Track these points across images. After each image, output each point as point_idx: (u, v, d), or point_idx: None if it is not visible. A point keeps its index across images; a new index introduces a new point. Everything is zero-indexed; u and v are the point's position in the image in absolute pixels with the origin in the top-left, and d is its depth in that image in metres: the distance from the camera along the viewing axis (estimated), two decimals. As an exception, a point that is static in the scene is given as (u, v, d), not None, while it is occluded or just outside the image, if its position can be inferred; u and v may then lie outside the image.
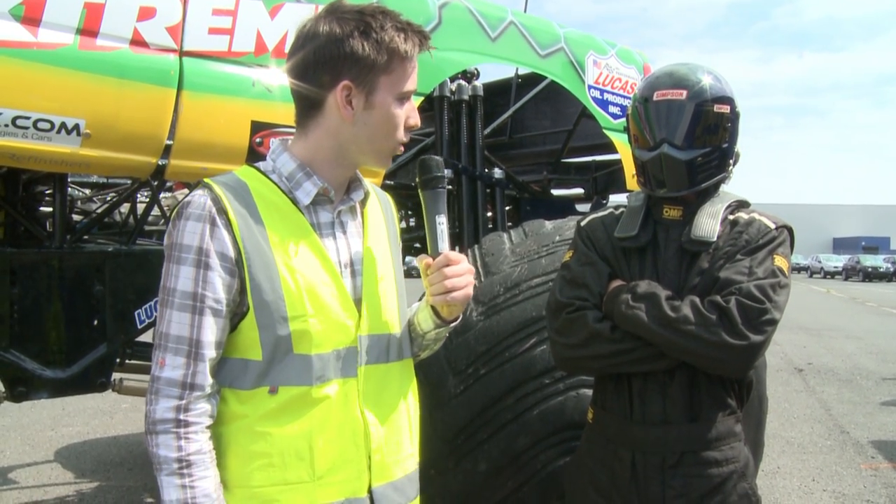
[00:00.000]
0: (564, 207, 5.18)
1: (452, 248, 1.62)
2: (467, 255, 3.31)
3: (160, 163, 2.76)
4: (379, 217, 1.73)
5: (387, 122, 1.56)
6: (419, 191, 1.65)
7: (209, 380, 1.46)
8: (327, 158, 1.59)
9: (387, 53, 1.52)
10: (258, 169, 1.59)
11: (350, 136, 1.56)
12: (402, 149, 1.63)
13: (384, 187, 2.94)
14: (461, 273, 1.60)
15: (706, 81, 2.07)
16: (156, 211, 4.84)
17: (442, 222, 1.62)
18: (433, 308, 1.68)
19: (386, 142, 1.58)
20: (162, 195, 4.83)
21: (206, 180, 1.53)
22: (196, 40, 2.76)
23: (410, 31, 1.55)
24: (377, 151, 1.60)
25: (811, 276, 55.41)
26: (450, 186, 4.28)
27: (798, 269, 60.82)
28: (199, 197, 1.48)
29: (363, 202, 1.69)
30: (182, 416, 1.44)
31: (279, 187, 1.56)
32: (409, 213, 5.19)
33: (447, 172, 4.11)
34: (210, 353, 1.46)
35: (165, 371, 1.45)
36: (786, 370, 10.73)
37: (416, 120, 1.61)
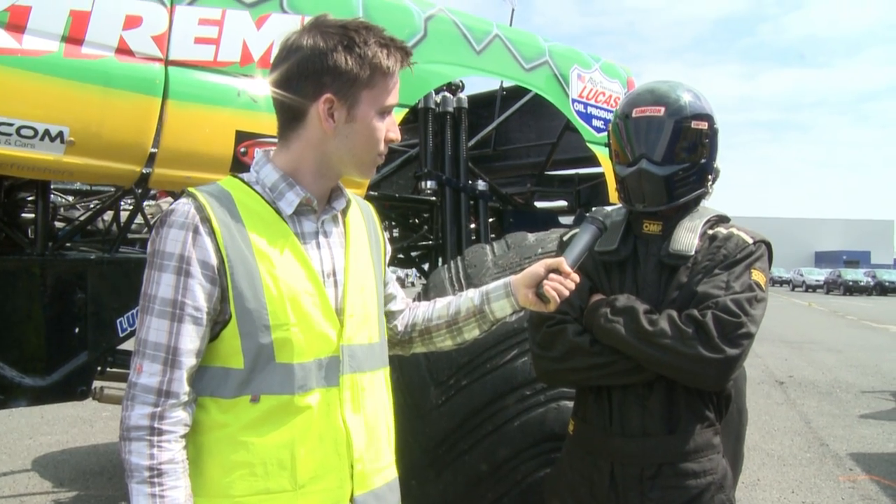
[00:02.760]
0: (547, 220, 5.22)
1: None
2: (450, 267, 3.33)
3: (144, 171, 2.77)
4: (361, 227, 1.75)
5: (368, 135, 1.59)
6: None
7: (185, 388, 1.47)
8: (310, 169, 1.61)
9: (369, 68, 1.55)
10: (242, 179, 1.61)
11: (332, 148, 1.59)
12: (382, 160, 1.67)
13: (368, 198, 2.96)
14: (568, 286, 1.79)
15: (685, 98, 2.10)
16: (139, 219, 4.83)
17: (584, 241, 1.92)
18: (514, 298, 1.84)
19: (367, 154, 1.62)
20: (145, 203, 4.82)
21: (190, 189, 1.55)
22: (182, 50, 2.77)
23: (393, 47, 1.58)
24: (359, 163, 1.63)
25: (793, 290, 55.75)
26: (433, 198, 4.31)
27: (780, 282, 61.25)
28: (183, 205, 1.50)
29: (345, 211, 1.71)
30: (156, 424, 1.44)
31: (263, 197, 1.58)
32: (392, 224, 5.21)
33: (430, 184, 4.15)
34: (187, 360, 1.47)
35: (142, 377, 1.46)
36: (767, 383, 10.81)
37: (396, 134, 1.64)
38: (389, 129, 1.63)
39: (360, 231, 1.74)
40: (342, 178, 1.69)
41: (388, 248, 1.91)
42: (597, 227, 1.97)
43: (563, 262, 1.80)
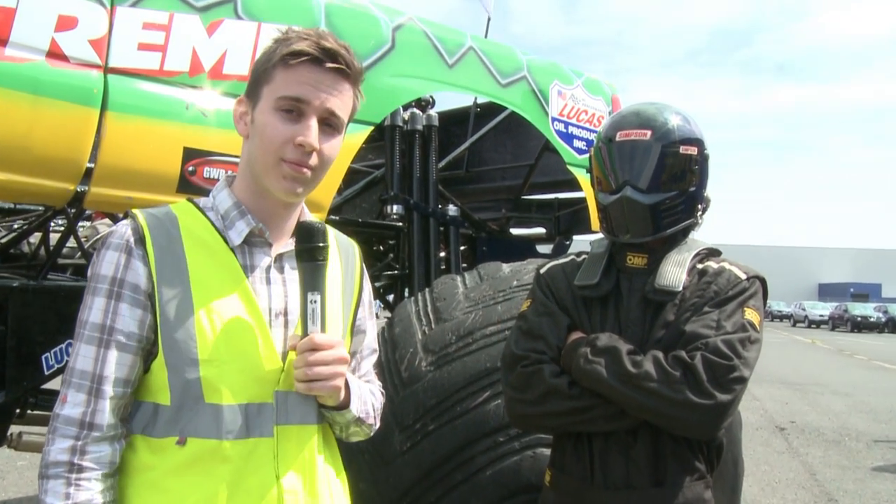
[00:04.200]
0: (524, 249, 5.29)
1: (324, 328, 1.59)
2: (417, 300, 3.36)
3: (79, 190, 2.78)
4: (334, 267, 1.74)
5: (263, 132, 1.59)
6: (296, 260, 1.62)
7: (110, 420, 1.50)
8: (251, 190, 1.66)
9: (271, 61, 1.60)
10: (196, 204, 1.67)
11: (249, 155, 1.65)
12: (299, 170, 1.59)
13: (328, 223, 2.98)
14: (327, 361, 1.57)
15: (673, 122, 2.18)
16: (71, 243, 4.79)
17: (315, 301, 1.58)
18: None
19: (265, 156, 1.58)
20: (79, 225, 4.79)
21: (132, 210, 1.61)
22: (123, 56, 2.79)
23: (298, 40, 1.58)
24: (264, 170, 1.60)
25: (794, 325, 56.01)
26: (399, 223, 4.35)
27: (780, 316, 61.58)
28: (122, 226, 1.57)
29: None
30: (76, 460, 1.47)
31: (213, 225, 1.62)
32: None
33: (397, 209, 4.18)
34: (113, 390, 1.51)
35: (65, 408, 1.50)
36: (766, 429, 10.82)
37: (305, 137, 1.57)
38: (297, 131, 1.57)
39: (331, 271, 1.72)
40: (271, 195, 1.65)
41: (366, 296, 1.88)
42: (309, 261, 1.62)
43: (313, 336, 1.58)
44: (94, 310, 1.52)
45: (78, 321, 1.54)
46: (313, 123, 1.58)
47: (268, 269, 1.64)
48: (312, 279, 1.60)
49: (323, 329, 1.59)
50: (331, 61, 1.58)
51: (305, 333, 1.58)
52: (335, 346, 1.59)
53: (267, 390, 1.58)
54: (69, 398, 1.50)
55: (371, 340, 1.91)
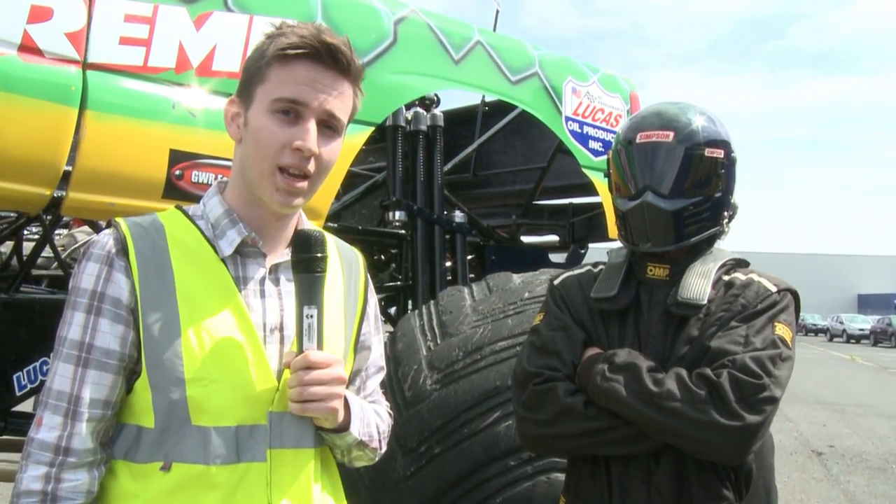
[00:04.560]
0: (536, 258, 5.28)
1: (321, 344, 1.59)
2: (421, 313, 3.36)
3: (56, 195, 2.78)
4: (335, 278, 1.74)
5: (257, 136, 1.58)
6: (292, 271, 1.62)
7: (88, 444, 1.50)
8: (244, 198, 1.66)
9: (265, 58, 1.59)
10: (185, 213, 1.67)
11: (241, 162, 1.65)
12: (292, 183, 1.59)
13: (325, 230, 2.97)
14: (323, 381, 1.56)
15: (698, 122, 2.18)
16: (47, 252, 4.80)
17: (312, 315, 1.57)
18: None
19: (259, 163, 1.58)
20: (56, 233, 4.81)
21: (116, 219, 1.61)
22: (104, 51, 2.79)
23: (292, 34, 1.58)
24: (258, 178, 1.59)
25: (831, 340, 55.45)
26: (402, 231, 4.35)
27: (816, 331, 60.98)
28: (104, 236, 1.57)
29: None
30: (50, 489, 1.47)
31: (203, 234, 1.62)
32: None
33: (399, 215, 4.19)
34: (91, 412, 1.50)
35: (41, 432, 1.50)
36: (801, 453, 10.71)
37: (303, 141, 1.56)
38: (295, 135, 1.56)
39: (333, 283, 1.72)
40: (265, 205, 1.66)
41: (371, 310, 1.88)
42: (306, 272, 1.62)
43: (308, 354, 1.57)
44: (73, 325, 1.52)
45: (57, 337, 1.54)
46: (312, 126, 1.57)
47: (262, 281, 1.64)
48: (309, 292, 1.58)
49: (320, 346, 1.58)
50: (330, 58, 1.58)
51: (301, 350, 1.57)
52: (332, 365, 1.58)
53: (260, 411, 1.57)
54: (45, 421, 1.50)
55: (377, 358, 1.90)
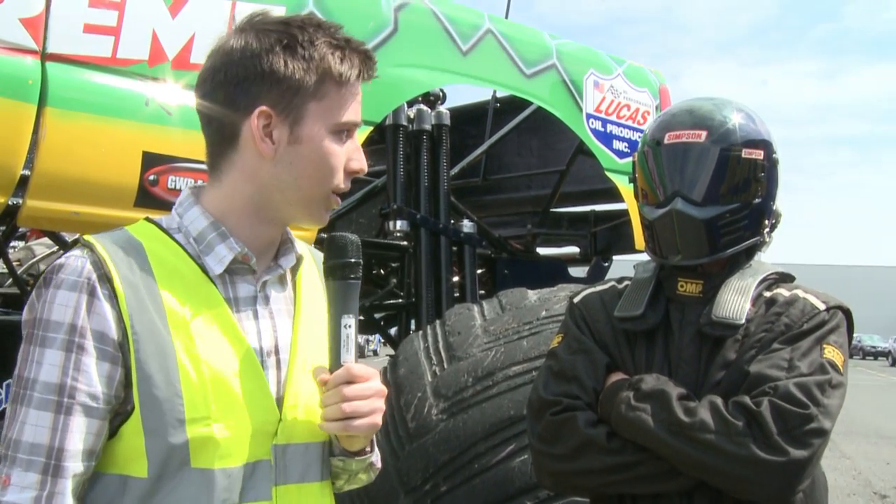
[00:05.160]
0: (554, 272, 5.27)
1: (359, 354, 1.65)
2: (426, 334, 3.37)
3: (11, 203, 2.78)
4: (318, 290, 1.75)
5: (319, 161, 1.61)
6: (325, 278, 1.66)
7: None
8: (245, 211, 1.64)
9: (316, 73, 1.59)
10: (159, 225, 1.64)
11: (272, 180, 1.62)
12: (339, 201, 1.69)
13: (320, 243, 2.98)
14: (366, 395, 1.58)
15: (734, 120, 2.19)
16: (1, 267, 4.82)
17: (349, 325, 1.60)
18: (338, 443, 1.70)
19: (318, 188, 1.63)
20: (10, 246, 4.82)
21: (86, 238, 1.56)
22: (66, 40, 2.78)
23: (350, 50, 1.62)
24: (307, 201, 1.64)
25: (893, 365, 55.24)
26: (404, 242, 4.36)
27: (875, 354, 60.23)
28: (76, 259, 1.51)
29: (295, 269, 1.73)
30: None
31: (185, 250, 1.60)
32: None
33: (401, 225, 4.19)
34: (76, 466, 1.45)
35: (9, 494, 1.42)
36: (861, 495, 10.56)
37: (360, 164, 1.67)
38: (351, 155, 1.65)
39: (317, 295, 1.73)
40: (289, 224, 1.72)
41: None
42: (341, 279, 1.66)
43: (324, 372, 1.61)
44: (45, 365, 1.45)
45: (18, 379, 1.48)
46: (359, 145, 1.66)
47: (253, 300, 1.63)
48: (345, 300, 1.62)
49: (357, 357, 1.62)
50: (368, 77, 1.66)
51: (338, 363, 1.59)
52: (372, 378, 1.60)
53: (264, 445, 1.57)
54: (14, 479, 1.42)
55: None
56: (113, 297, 1.49)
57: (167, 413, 1.48)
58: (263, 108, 1.58)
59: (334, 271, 1.63)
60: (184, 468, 1.49)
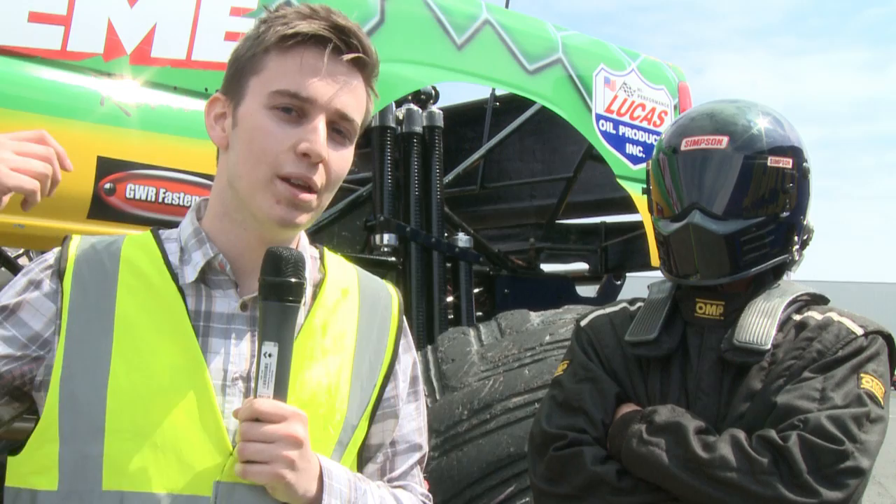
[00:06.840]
0: (560, 291, 5.28)
1: (281, 392, 1.51)
2: (417, 360, 3.38)
3: None
4: (347, 322, 1.73)
5: (250, 139, 1.57)
6: (259, 297, 1.55)
7: None
8: (218, 213, 1.67)
9: (260, 45, 1.58)
10: (156, 233, 1.68)
11: (227, 173, 1.63)
12: (296, 193, 1.57)
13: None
14: (269, 438, 1.46)
15: (760, 125, 2.21)
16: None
17: (270, 354, 1.50)
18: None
19: (254, 171, 1.56)
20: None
21: (72, 235, 1.66)
22: (8, 31, 2.78)
23: (314, 18, 1.57)
24: (250, 190, 1.58)
25: (948, 397, 55.21)
26: (392, 258, 4.36)
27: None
28: (50, 253, 1.63)
29: (315, 293, 1.70)
30: None
31: (167, 259, 1.62)
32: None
33: (388, 238, 4.19)
34: None
35: None
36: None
37: (311, 144, 1.54)
38: (300, 135, 1.55)
39: (341, 327, 1.71)
40: (260, 223, 1.64)
41: (403, 367, 1.83)
42: (275, 300, 1.56)
43: (256, 403, 1.49)
44: None
45: None
46: (321, 126, 1.55)
47: (230, 318, 1.62)
48: (272, 325, 1.51)
49: (280, 394, 1.50)
50: (343, 45, 1.57)
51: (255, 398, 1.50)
52: (288, 419, 1.48)
53: (203, 479, 1.50)
54: None
55: (410, 433, 1.83)
56: (57, 294, 1.57)
57: (85, 416, 1.50)
58: (216, 95, 1.66)
59: (269, 291, 1.52)
60: (94, 489, 1.47)
